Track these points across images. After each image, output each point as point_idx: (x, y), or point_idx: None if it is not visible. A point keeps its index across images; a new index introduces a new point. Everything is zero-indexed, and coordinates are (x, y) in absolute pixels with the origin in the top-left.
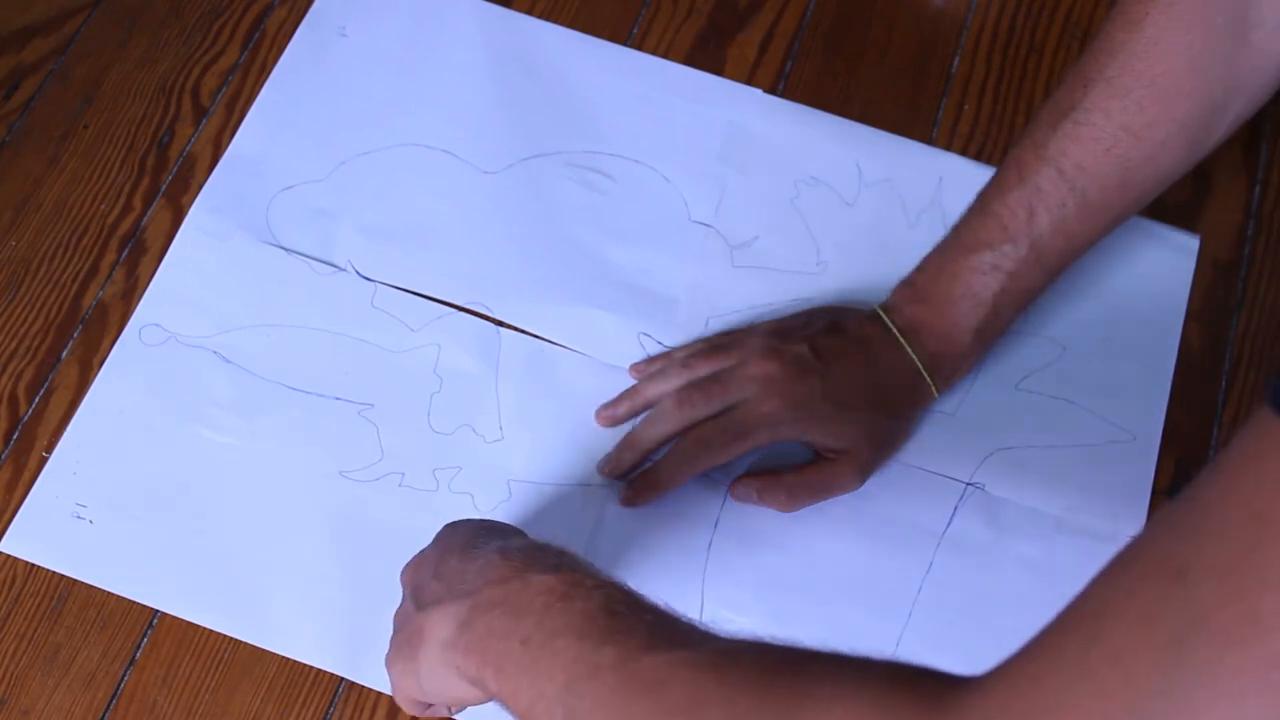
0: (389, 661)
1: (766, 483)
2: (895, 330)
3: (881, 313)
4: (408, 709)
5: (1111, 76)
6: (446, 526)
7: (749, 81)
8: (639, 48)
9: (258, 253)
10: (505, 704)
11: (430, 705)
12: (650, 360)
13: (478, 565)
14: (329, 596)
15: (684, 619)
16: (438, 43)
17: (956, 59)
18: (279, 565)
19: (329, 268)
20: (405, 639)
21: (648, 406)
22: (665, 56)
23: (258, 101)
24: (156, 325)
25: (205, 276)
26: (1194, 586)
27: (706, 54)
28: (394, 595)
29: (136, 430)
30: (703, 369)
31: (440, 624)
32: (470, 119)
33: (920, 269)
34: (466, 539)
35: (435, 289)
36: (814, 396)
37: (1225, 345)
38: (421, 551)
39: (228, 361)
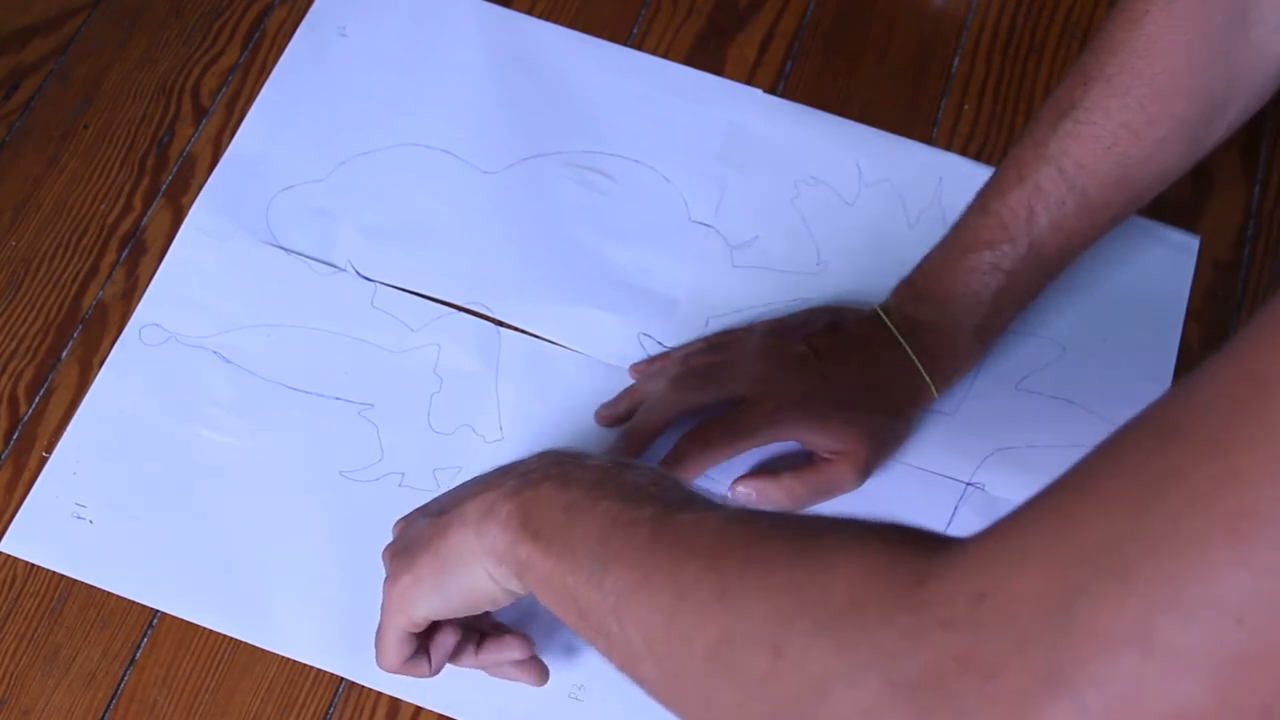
0: (390, 580)
1: (765, 483)
2: (895, 330)
3: (881, 312)
4: (392, 652)
5: (1111, 74)
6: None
7: (749, 81)
8: (639, 48)
9: (258, 253)
10: (527, 572)
11: (415, 650)
12: (650, 360)
13: (521, 466)
14: (328, 596)
15: (718, 498)
16: (438, 43)
17: (956, 59)
18: (278, 565)
19: (329, 268)
20: (419, 543)
21: (654, 396)
22: (665, 56)
23: (258, 101)
24: (156, 325)
25: (205, 276)
26: (1179, 440)
27: (706, 54)
28: None
29: (136, 430)
30: (700, 362)
31: (473, 509)
32: (470, 119)
33: (920, 269)
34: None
35: (435, 289)
36: (813, 395)
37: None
38: (405, 516)
39: (228, 361)
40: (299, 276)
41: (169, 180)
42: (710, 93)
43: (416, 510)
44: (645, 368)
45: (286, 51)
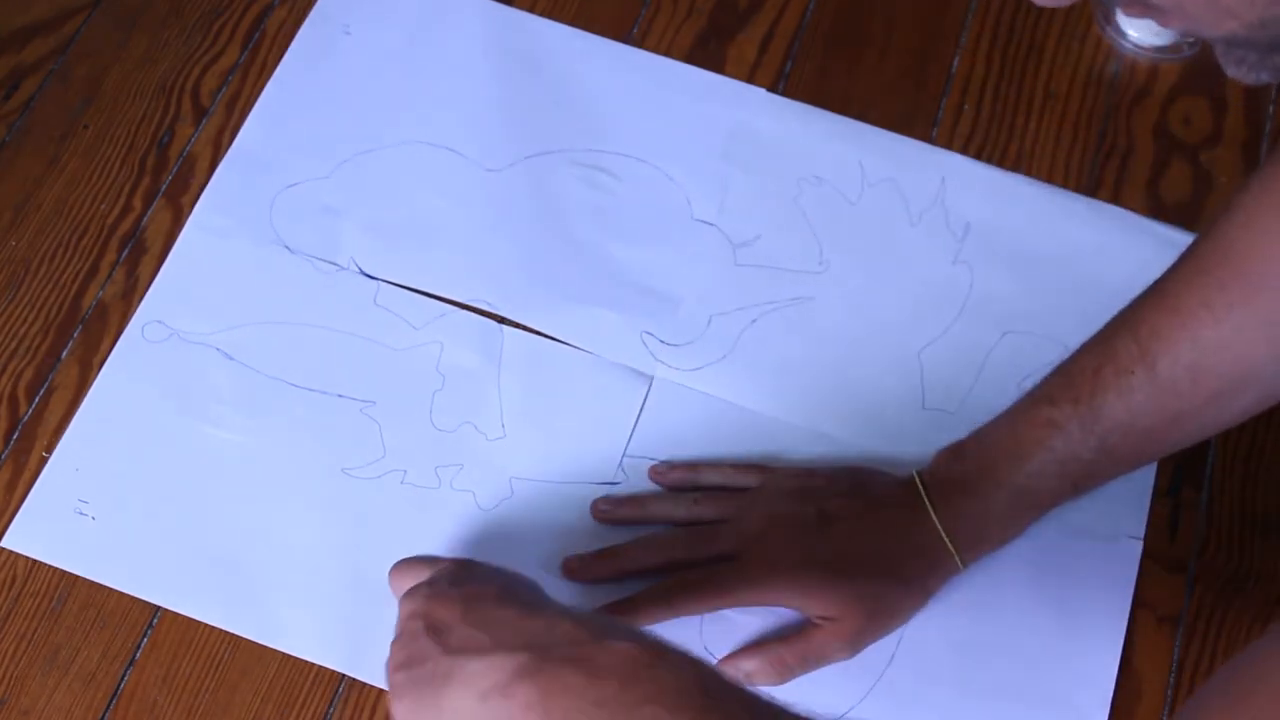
0: (396, 695)
1: (756, 662)
2: (924, 493)
3: (916, 476)
4: None
5: (1200, 252)
6: (459, 565)
7: (749, 81)
8: (639, 47)
9: (261, 250)
10: None
11: None
12: (673, 468)
13: (540, 623)
14: (331, 593)
15: (777, 703)
16: (442, 41)
17: (956, 59)
18: (280, 562)
19: (331, 265)
20: (425, 680)
21: (647, 524)
22: (666, 55)
23: (261, 99)
24: (159, 322)
25: (208, 274)
26: None
27: (706, 53)
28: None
29: (139, 427)
30: (710, 513)
31: (483, 674)
32: (474, 117)
33: (973, 432)
34: (500, 589)
35: (438, 286)
36: (807, 562)
37: None
38: (431, 582)
39: (230, 359)
40: (302, 274)
41: (169, 180)
42: (714, 91)
43: (423, 564)
44: (665, 473)
45: (290, 49)
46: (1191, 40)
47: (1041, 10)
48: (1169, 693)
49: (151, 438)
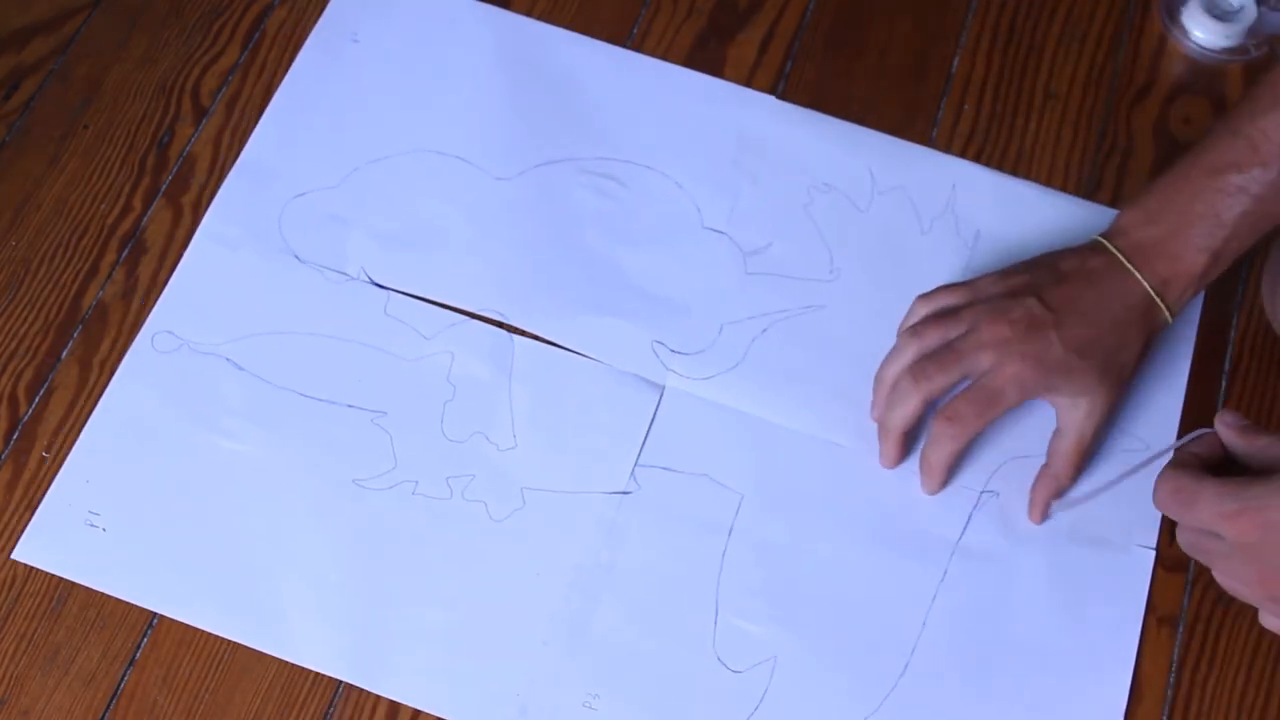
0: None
1: (1041, 490)
2: (1122, 256)
3: (1105, 241)
4: None
5: None
6: None
7: (749, 81)
8: (639, 47)
9: (270, 260)
10: None
11: None
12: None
13: None
14: (343, 605)
15: None
16: (450, 49)
17: (956, 59)
18: (292, 573)
19: (341, 275)
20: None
21: (894, 388)
22: (665, 56)
23: (270, 108)
24: (169, 332)
25: (218, 283)
26: None
27: (706, 54)
28: (407, 602)
29: (149, 438)
30: (933, 338)
31: None
32: (483, 125)
33: (1150, 192)
34: None
35: (448, 296)
36: (1054, 351)
37: (1225, 345)
38: None
39: (240, 369)
40: (312, 284)
41: (169, 180)
42: (723, 99)
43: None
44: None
45: (298, 57)
46: (1257, 42)
47: (1041, 10)
48: (1169, 692)
49: (162, 449)
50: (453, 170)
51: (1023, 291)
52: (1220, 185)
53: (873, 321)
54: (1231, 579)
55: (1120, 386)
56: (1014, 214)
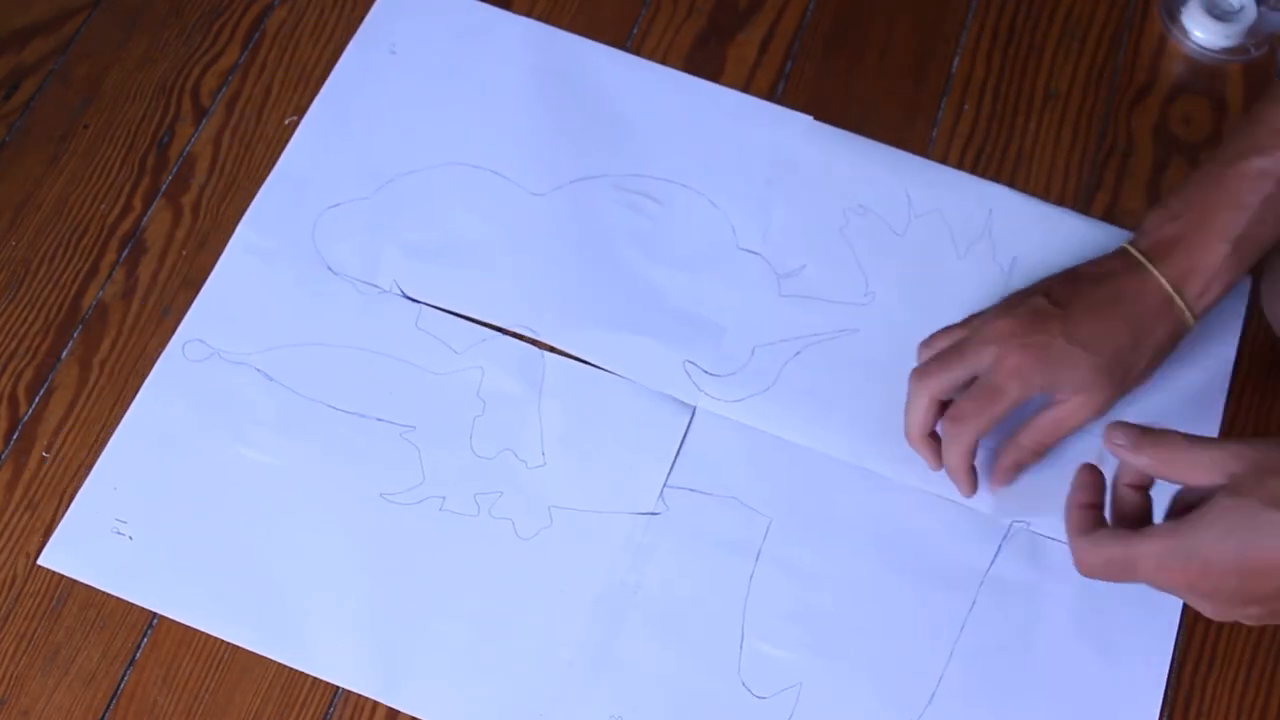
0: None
1: (1009, 458)
2: (1140, 255)
3: (1127, 245)
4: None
5: None
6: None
7: (749, 81)
8: (639, 48)
9: (302, 271)
10: None
11: None
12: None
13: None
14: (366, 619)
15: None
16: (487, 62)
17: (956, 59)
18: (317, 586)
19: (373, 288)
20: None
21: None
22: (665, 56)
23: (306, 118)
24: (200, 341)
25: (250, 293)
26: None
27: (706, 54)
28: (432, 619)
29: (178, 446)
30: (941, 342)
31: None
32: (518, 139)
33: (1174, 192)
34: None
35: (480, 311)
36: (1056, 341)
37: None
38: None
39: (270, 379)
40: (343, 296)
41: (169, 180)
42: (758, 118)
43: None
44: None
45: (335, 68)
46: (1257, 42)
47: (1041, 10)
48: (1169, 693)
49: (190, 458)
50: (487, 184)
51: (1032, 292)
52: (1241, 171)
53: (907, 346)
54: (1211, 614)
55: (1124, 386)
56: (1050, 240)
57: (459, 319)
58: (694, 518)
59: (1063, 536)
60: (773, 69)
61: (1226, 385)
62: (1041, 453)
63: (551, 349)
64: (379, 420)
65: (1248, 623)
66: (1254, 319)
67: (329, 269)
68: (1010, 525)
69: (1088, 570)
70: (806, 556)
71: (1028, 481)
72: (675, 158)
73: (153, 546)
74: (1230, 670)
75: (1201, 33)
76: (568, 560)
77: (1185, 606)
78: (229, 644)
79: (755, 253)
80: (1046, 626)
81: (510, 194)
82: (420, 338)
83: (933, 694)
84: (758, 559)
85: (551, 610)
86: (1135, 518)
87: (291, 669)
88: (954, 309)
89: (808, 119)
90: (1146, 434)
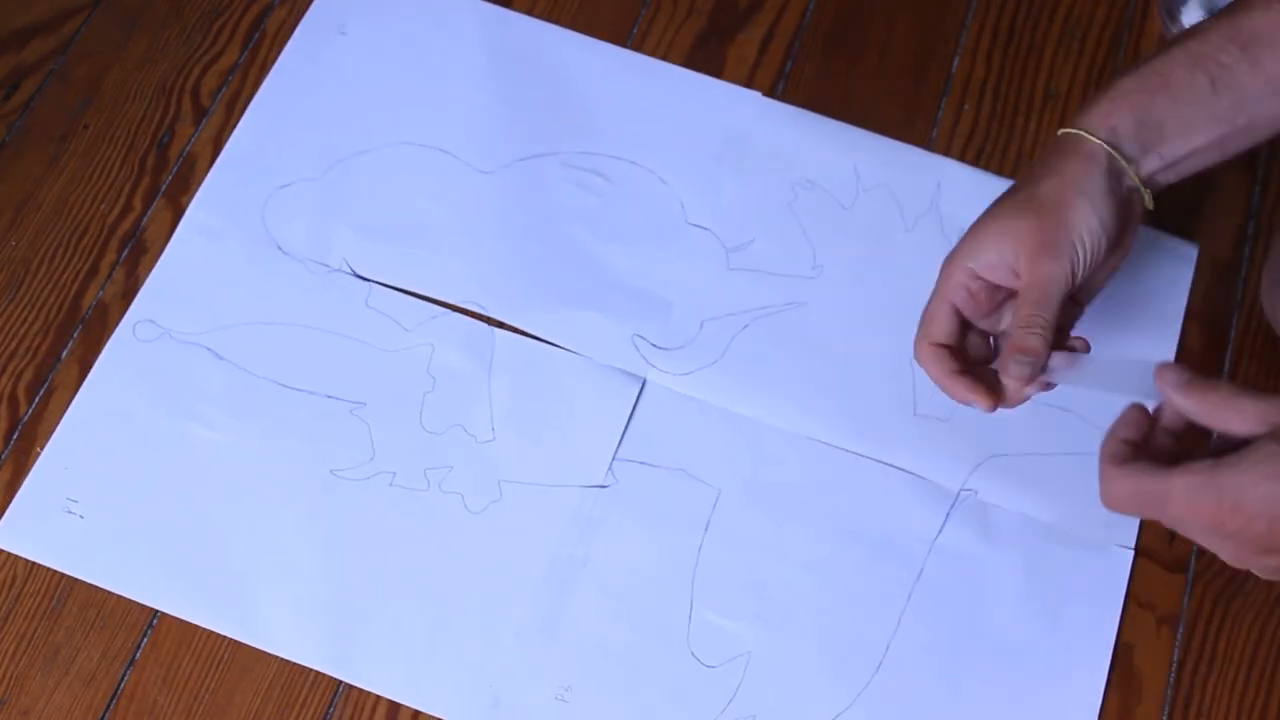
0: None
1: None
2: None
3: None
4: None
5: None
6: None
7: (749, 81)
8: (639, 47)
9: (252, 250)
10: None
11: None
12: None
13: None
14: (318, 595)
15: None
16: (437, 42)
17: (956, 59)
18: (268, 562)
19: (323, 267)
20: None
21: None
22: (665, 56)
23: (255, 99)
24: (150, 321)
25: (200, 273)
26: None
27: (706, 54)
28: (383, 593)
29: (129, 426)
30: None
31: None
32: (467, 119)
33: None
34: None
35: (430, 288)
36: (1005, 213)
37: (1225, 345)
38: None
39: (221, 358)
40: (294, 275)
41: (169, 180)
42: (708, 95)
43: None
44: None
45: (286, 49)
46: None
47: (1041, 10)
48: (1169, 692)
49: (141, 437)
50: (436, 163)
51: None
52: (1169, 53)
53: (854, 319)
54: (1229, 558)
55: (1043, 214)
56: None
57: (409, 296)
58: (643, 490)
59: (1010, 505)
60: (773, 69)
61: (1173, 352)
62: (1045, 342)
63: (501, 325)
64: (329, 397)
65: (1261, 575)
66: (1253, 318)
67: (279, 248)
68: (959, 493)
69: (1113, 502)
70: (755, 528)
71: (975, 451)
72: (625, 135)
73: (104, 525)
74: (1230, 670)
75: None
76: (517, 533)
77: (1169, 589)
78: (229, 644)
79: (704, 228)
80: (994, 594)
81: (459, 172)
82: (370, 316)
83: (880, 662)
84: (706, 530)
85: (501, 583)
86: (1166, 462)
87: (291, 669)
88: (901, 282)
89: (758, 95)
90: (1197, 377)
